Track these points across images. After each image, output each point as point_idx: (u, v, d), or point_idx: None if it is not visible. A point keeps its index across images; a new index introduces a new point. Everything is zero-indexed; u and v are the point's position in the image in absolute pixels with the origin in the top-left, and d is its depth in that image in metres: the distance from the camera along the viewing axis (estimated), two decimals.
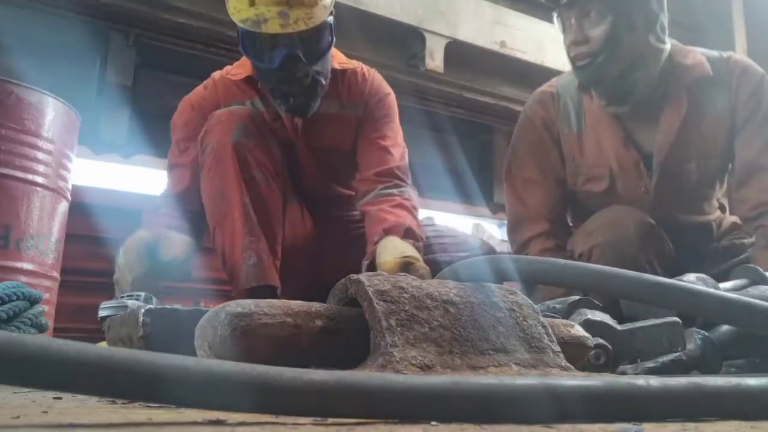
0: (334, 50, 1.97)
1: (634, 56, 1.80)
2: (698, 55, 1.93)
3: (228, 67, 1.98)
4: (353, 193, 2.01)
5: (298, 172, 1.94)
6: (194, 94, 1.95)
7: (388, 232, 1.71)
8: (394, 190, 1.87)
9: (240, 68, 1.96)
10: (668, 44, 1.86)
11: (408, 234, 1.71)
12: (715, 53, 1.94)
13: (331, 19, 1.79)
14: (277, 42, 1.70)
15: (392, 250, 1.64)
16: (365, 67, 2.03)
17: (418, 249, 1.70)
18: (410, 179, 1.96)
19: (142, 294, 1.55)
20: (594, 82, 1.89)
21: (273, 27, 1.67)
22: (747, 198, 1.92)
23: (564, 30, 1.89)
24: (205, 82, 1.97)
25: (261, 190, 1.74)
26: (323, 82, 1.82)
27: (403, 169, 1.93)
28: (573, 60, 1.87)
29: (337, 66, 1.93)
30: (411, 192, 1.91)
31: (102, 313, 1.50)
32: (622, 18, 1.77)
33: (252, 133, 1.75)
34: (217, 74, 1.97)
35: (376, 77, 2.02)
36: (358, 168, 1.97)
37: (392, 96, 2.02)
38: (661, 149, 1.91)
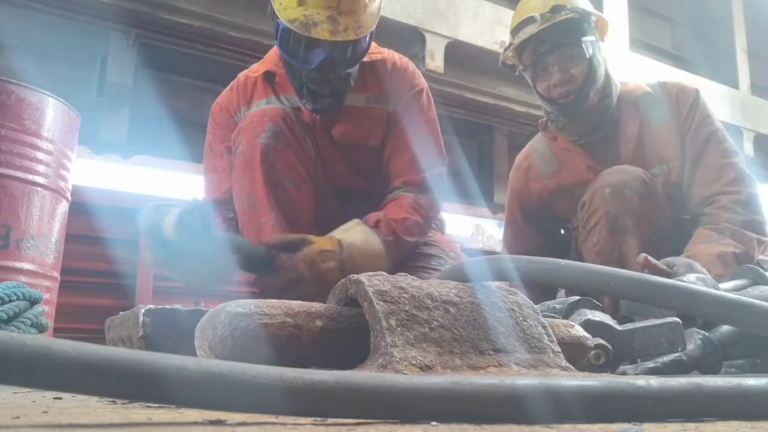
0: None
1: (603, 86, 2.14)
2: (634, 80, 2.31)
3: (251, 67, 1.95)
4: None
5: (331, 171, 1.86)
6: (222, 96, 1.94)
7: (366, 219, 1.71)
8: (409, 195, 1.80)
9: (260, 64, 1.92)
10: (615, 80, 2.23)
11: (377, 224, 1.69)
12: (648, 82, 2.30)
13: (373, 29, 1.72)
14: (318, 44, 1.63)
15: (341, 230, 1.66)
16: (397, 57, 1.91)
17: (386, 243, 1.66)
18: (437, 189, 1.86)
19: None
20: (576, 114, 2.15)
21: (323, 33, 1.59)
22: (694, 195, 2.10)
23: (538, 78, 2.15)
24: (231, 83, 1.94)
25: (290, 194, 1.71)
26: (351, 83, 1.76)
27: (432, 179, 1.84)
28: (556, 99, 2.13)
29: (365, 58, 1.82)
30: (427, 201, 1.81)
31: (143, 220, 1.46)
32: (593, 58, 2.10)
33: (283, 135, 1.71)
34: (241, 75, 1.93)
35: (408, 69, 1.90)
36: (387, 175, 1.88)
37: (425, 91, 1.91)
38: (624, 160, 2.14)
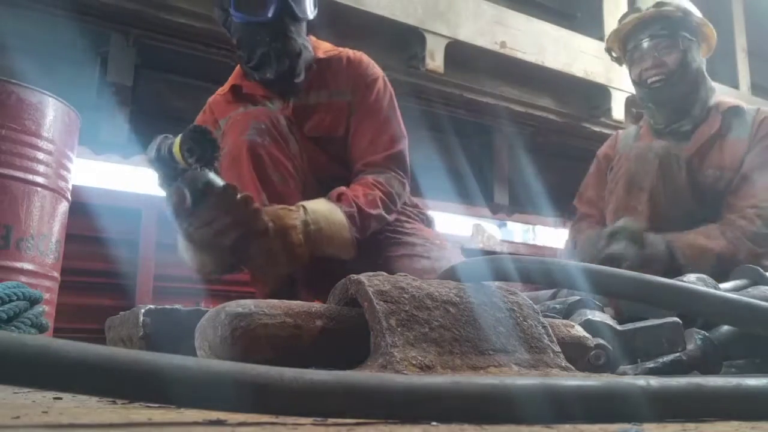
0: (318, 41, 2.01)
1: (694, 82, 2.31)
2: (737, 100, 2.47)
3: (219, 89, 2.05)
4: None
5: (314, 164, 1.92)
6: (197, 120, 2.01)
7: (328, 196, 1.76)
8: (369, 176, 1.86)
9: (228, 83, 2.02)
10: (715, 89, 2.39)
11: (339, 198, 1.75)
12: (749, 106, 2.44)
13: None
14: None
15: (305, 201, 1.70)
16: (351, 52, 2.03)
17: (348, 215, 1.70)
18: (400, 167, 1.93)
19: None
20: (665, 99, 2.31)
21: None
22: (733, 204, 2.17)
23: (633, 64, 2.38)
24: (203, 108, 2.03)
25: (277, 189, 1.75)
26: (305, 54, 1.88)
27: (390, 159, 1.91)
28: (647, 83, 2.33)
29: (321, 55, 1.96)
30: (389, 177, 1.88)
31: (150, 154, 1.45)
32: (687, 53, 2.30)
33: (268, 132, 1.77)
34: (211, 98, 2.04)
35: (362, 61, 2.01)
36: (349, 161, 1.96)
37: (381, 79, 2.01)
38: (685, 153, 2.24)
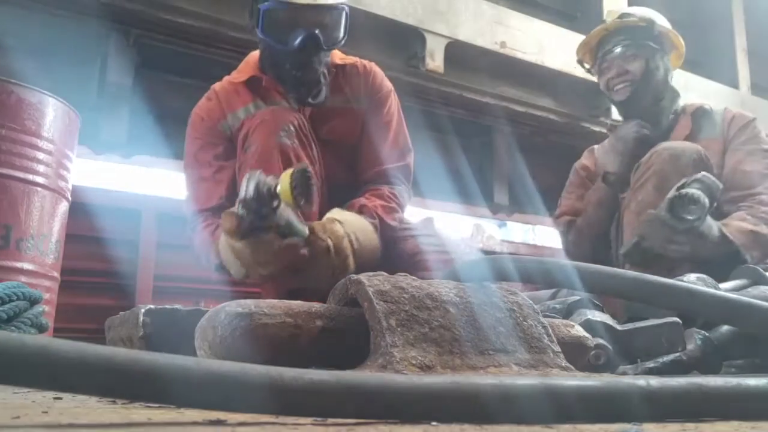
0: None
1: (659, 88, 2.40)
2: (700, 101, 2.54)
3: (227, 77, 2.00)
4: None
5: (327, 167, 1.94)
6: (200, 106, 1.97)
7: (348, 207, 1.80)
8: (385, 186, 1.92)
9: (242, 72, 1.97)
10: (681, 96, 2.48)
11: (361, 210, 1.80)
12: (716, 107, 2.51)
13: (347, 9, 1.87)
14: (298, 22, 1.78)
15: (332, 213, 1.75)
16: (364, 62, 2.06)
17: (374, 226, 1.77)
18: (408, 180, 2.01)
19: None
20: (632, 106, 2.40)
21: None
22: (734, 197, 2.21)
23: (601, 74, 2.49)
24: (207, 93, 1.99)
25: None
26: (326, 77, 1.89)
27: (401, 170, 1.98)
28: (612, 95, 2.44)
29: (338, 61, 1.97)
30: (401, 190, 1.95)
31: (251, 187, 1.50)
32: (651, 60, 2.38)
33: (295, 134, 1.79)
34: (217, 85, 1.99)
35: (377, 72, 2.05)
36: (359, 169, 2.00)
37: (393, 93, 2.06)
38: None
